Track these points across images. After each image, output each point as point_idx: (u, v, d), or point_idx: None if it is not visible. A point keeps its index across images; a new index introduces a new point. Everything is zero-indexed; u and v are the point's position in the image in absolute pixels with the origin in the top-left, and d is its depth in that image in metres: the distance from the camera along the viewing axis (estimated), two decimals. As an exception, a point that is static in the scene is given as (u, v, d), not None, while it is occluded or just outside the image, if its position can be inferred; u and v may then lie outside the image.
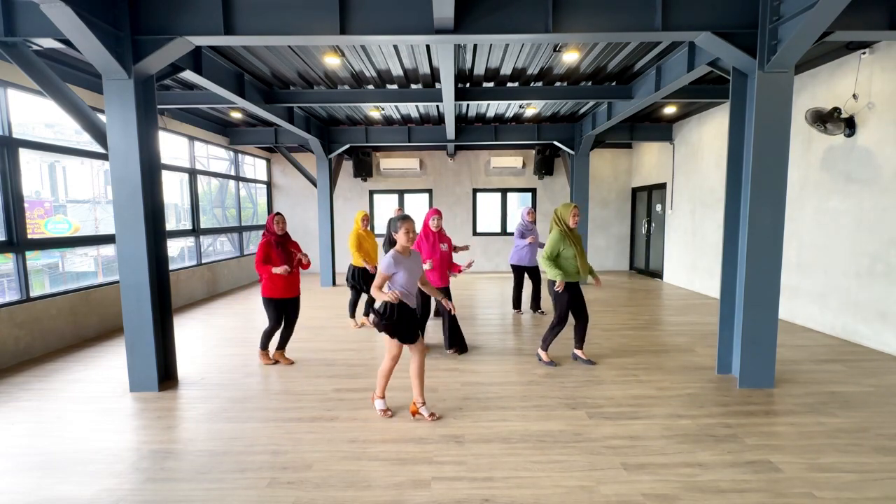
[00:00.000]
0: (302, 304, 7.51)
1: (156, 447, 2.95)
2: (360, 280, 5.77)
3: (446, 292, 4.66)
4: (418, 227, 4.55)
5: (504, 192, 11.23)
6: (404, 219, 3.17)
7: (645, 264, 10.55)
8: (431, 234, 4.65)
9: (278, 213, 4.44)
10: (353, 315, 5.99)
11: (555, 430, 3.12)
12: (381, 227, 11.30)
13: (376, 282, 3.09)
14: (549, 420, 3.26)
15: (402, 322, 3.15)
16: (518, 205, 11.38)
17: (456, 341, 4.80)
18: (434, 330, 5.61)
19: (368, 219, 5.88)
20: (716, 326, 4.26)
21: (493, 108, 7.76)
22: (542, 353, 4.45)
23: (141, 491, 2.49)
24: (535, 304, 6.65)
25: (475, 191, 11.21)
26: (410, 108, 7.83)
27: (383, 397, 3.41)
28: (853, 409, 3.40)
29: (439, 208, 10.71)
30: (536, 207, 11.22)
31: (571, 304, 4.26)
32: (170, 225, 7.87)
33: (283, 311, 4.51)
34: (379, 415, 3.35)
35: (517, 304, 6.70)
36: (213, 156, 9.31)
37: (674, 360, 4.55)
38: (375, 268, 5.70)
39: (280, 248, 4.37)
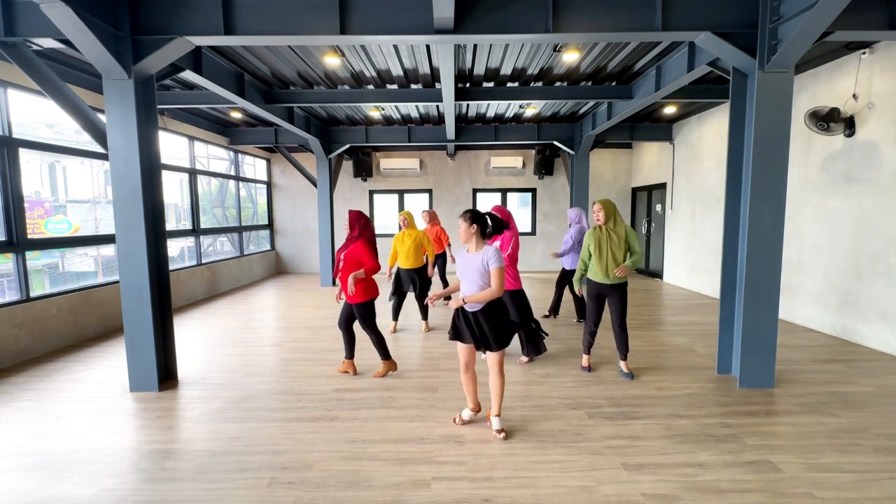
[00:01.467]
0: (301, 303, 7.59)
1: (156, 447, 2.95)
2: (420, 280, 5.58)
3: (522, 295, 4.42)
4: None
5: (504, 192, 11.23)
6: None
7: (645, 264, 10.54)
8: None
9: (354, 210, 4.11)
10: (396, 318, 5.77)
11: (555, 430, 3.12)
12: (382, 227, 11.33)
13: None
14: (549, 420, 3.26)
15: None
16: (518, 205, 11.39)
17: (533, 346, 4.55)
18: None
19: (405, 218, 5.59)
20: (716, 326, 4.26)
21: (493, 108, 7.76)
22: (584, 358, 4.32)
23: (141, 491, 2.49)
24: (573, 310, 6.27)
25: (475, 191, 11.21)
26: (410, 108, 7.83)
27: (475, 409, 3.22)
28: (853, 409, 3.40)
29: (436, 210, 10.72)
30: (536, 208, 11.23)
31: (594, 305, 4.13)
32: (170, 225, 7.87)
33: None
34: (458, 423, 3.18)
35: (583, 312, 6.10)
36: (213, 156, 9.31)
37: (674, 360, 4.55)
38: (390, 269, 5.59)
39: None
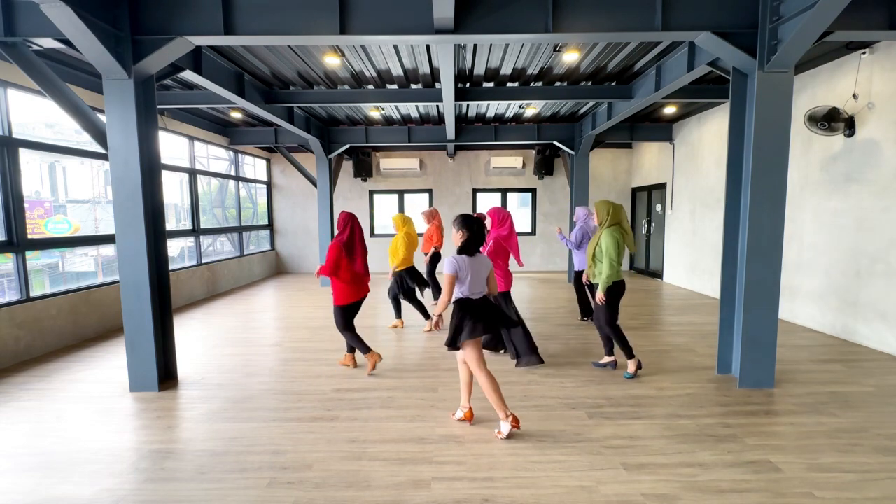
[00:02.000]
0: (301, 303, 7.59)
1: (156, 447, 2.95)
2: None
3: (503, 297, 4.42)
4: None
5: (504, 192, 11.23)
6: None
7: (645, 264, 10.55)
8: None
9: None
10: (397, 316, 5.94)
11: (555, 430, 3.12)
12: (381, 227, 11.34)
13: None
14: (549, 420, 3.26)
15: None
16: (518, 205, 11.39)
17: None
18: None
19: (394, 223, 5.79)
20: (716, 326, 4.25)
21: (493, 108, 7.76)
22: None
23: (141, 491, 2.49)
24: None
25: (475, 191, 11.21)
26: (410, 108, 7.83)
27: (466, 413, 3.22)
28: (853, 409, 3.40)
29: (438, 208, 10.73)
30: (536, 208, 11.23)
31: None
32: (170, 225, 7.86)
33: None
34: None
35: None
36: (213, 156, 9.31)
37: (674, 360, 4.55)
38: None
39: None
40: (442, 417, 3.31)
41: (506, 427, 2.98)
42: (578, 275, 5.88)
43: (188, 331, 5.86)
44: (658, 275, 9.90)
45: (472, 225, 2.98)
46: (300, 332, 5.75)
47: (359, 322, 5.89)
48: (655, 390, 3.79)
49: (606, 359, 4.28)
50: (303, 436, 3.07)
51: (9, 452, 2.90)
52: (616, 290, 3.98)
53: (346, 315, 4.19)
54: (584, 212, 5.84)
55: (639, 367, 4.09)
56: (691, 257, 8.56)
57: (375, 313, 6.75)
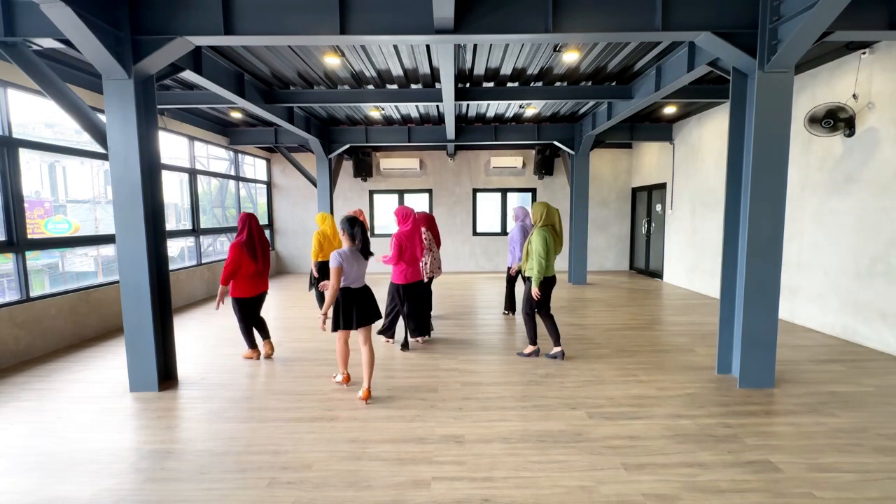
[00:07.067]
0: (301, 303, 7.59)
1: (156, 447, 2.95)
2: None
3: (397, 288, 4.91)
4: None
5: (504, 192, 11.23)
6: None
7: (645, 264, 10.55)
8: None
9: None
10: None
11: (555, 430, 3.12)
12: (381, 227, 11.34)
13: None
14: (549, 420, 3.26)
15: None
16: (518, 205, 11.36)
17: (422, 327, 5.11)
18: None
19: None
20: (716, 326, 4.26)
21: (493, 108, 7.76)
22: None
23: (141, 491, 2.49)
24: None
25: (475, 191, 11.21)
26: (410, 108, 7.83)
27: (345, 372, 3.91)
28: (853, 409, 3.40)
29: (434, 210, 10.73)
30: (536, 207, 11.22)
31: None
32: (170, 225, 7.87)
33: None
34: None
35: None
36: (213, 156, 9.31)
37: (674, 360, 4.55)
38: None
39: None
40: (442, 417, 3.31)
41: (339, 377, 3.90)
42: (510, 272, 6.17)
43: (188, 331, 5.86)
44: (658, 275, 9.90)
45: (351, 225, 3.53)
46: (300, 332, 5.75)
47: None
48: (655, 390, 3.79)
49: (555, 349, 4.55)
50: (303, 436, 3.07)
51: (9, 452, 2.90)
52: (547, 284, 4.42)
53: (242, 307, 4.49)
54: (522, 211, 5.95)
55: (534, 354, 4.61)
56: (691, 257, 8.56)
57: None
